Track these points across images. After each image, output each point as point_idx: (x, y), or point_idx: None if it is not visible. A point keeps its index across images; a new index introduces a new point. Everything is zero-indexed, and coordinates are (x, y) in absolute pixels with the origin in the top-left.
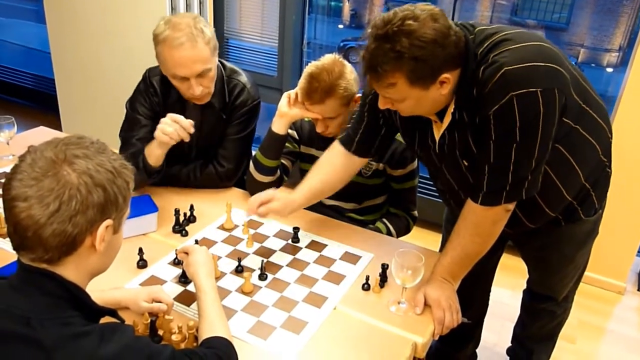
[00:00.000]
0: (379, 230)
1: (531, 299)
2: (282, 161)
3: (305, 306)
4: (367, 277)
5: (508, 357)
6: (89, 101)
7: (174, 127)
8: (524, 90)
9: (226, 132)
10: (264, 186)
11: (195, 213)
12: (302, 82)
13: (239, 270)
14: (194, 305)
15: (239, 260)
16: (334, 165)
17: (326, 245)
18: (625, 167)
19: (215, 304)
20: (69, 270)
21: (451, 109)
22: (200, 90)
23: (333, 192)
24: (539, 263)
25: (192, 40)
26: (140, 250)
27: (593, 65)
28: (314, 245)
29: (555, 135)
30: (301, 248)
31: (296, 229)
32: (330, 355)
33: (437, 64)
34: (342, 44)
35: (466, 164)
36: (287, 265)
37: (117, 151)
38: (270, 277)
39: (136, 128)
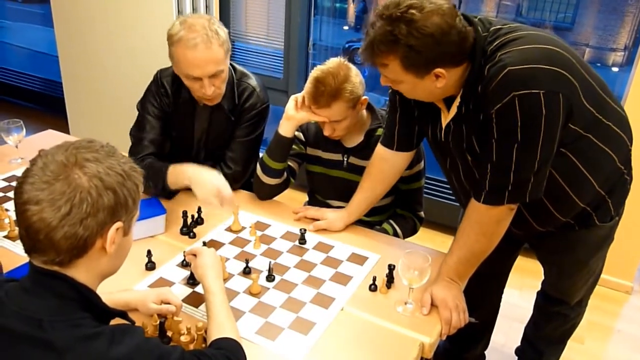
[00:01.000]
0: (385, 232)
1: (545, 301)
2: (289, 163)
3: (312, 307)
4: (374, 277)
5: (516, 358)
6: (97, 104)
7: None
8: (526, 91)
9: (234, 135)
10: (271, 188)
11: (202, 215)
12: (308, 86)
13: (247, 272)
14: (202, 307)
15: (247, 261)
16: (380, 171)
17: (333, 246)
18: None
19: (224, 305)
20: (80, 272)
21: (457, 101)
22: (212, 91)
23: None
24: (552, 266)
25: (207, 41)
26: (149, 252)
27: (599, 64)
28: (320, 247)
29: (560, 140)
30: (308, 249)
31: (303, 230)
32: (338, 355)
33: (431, 58)
34: (347, 46)
35: (470, 159)
36: (294, 267)
37: (127, 150)
38: (277, 278)
39: (147, 129)
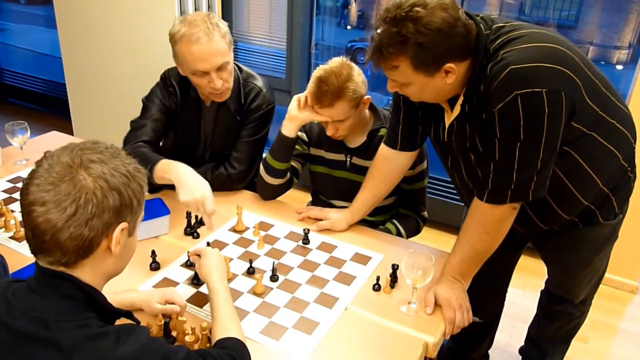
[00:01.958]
0: (389, 231)
1: (548, 300)
2: (292, 163)
3: (316, 307)
4: (377, 277)
5: (520, 357)
6: (100, 105)
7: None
8: (529, 90)
9: (240, 135)
10: (274, 189)
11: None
12: (310, 86)
13: (251, 272)
14: (206, 307)
15: (251, 261)
16: (384, 171)
17: (336, 246)
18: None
19: (228, 305)
20: (86, 273)
21: (460, 100)
22: (221, 84)
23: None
24: (556, 265)
25: (209, 34)
26: (153, 252)
27: (602, 62)
28: (324, 247)
29: (563, 139)
30: (312, 249)
31: (306, 231)
32: (342, 355)
33: (441, 53)
34: (349, 45)
35: (473, 157)
36: (298, 267)
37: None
38: (281, 278)
39: (149, 118)
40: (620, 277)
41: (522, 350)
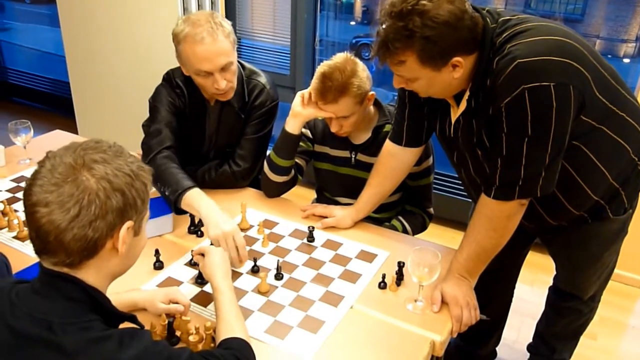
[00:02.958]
0: (394, 228)
1: (557, 297)
2: (297, 160)
3: (321, 305)
4: (383, 275)
5: (528, 354)
6: (104, 103)
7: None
8: (536, 84)
9: (244, 132)
10: (278, 186)
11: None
12: (315, 81)
13: (255, 270)
14: (210, 306)
15: (255, 260)
16: (389, 167)
17: (342, 243)
18: None
19: (233, 304)
20: (90, 273)
21: (466, 95)
22: (225, 84)
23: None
24: (565, 260)
25: (213, 34)
26: (157, 251)
27: (609, 56)
28: (329, 244)
29: (573, 133)
30: (317, 247)
31: (311, 228)
32: (348, 354)
33: (448, 46)
34: (354, 41)
35: (480, 153)
36: (302, 265)
37: (135, 149)
38: (286, 276)
39: (164, 121)
40: (629, 272)
41: (530, 347)
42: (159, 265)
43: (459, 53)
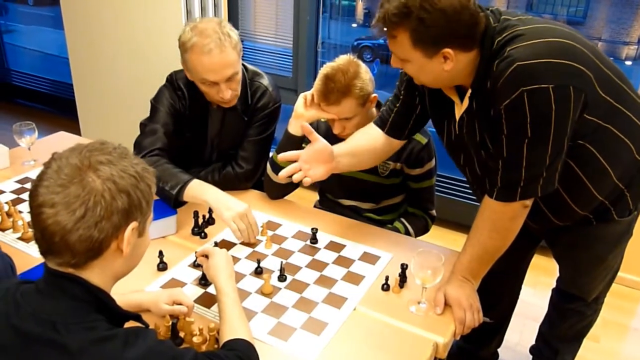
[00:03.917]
0: (397, 230)
1: (560, 298)
2: None
3: (325, 307)
4: (386, 277)
5: (531, 356)
6: (107, 105)
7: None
8: (535, 86)
9: (246, 134)
10: (281, 187)
11: (214, 215)
12: (317, 83)
13: (258, 272)
14: (214, 307)
15: (258, 261)
16: (370, 136)
17: (345, 245)
18: None
19: (236, 306)
20: (95, 274)
21: (469, 93)
22: (229, 94)
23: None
24: (569, 262)
25: (221, 46)
26: (160, 253)
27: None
28: (332, 246)
29: (578, 132)
30: (320, 249)
31: (314, 230)
32: (351, 356)
33: (439, 35)
34: (356, 43)
35: (484, 153)
36: (306, 266)
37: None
38: (289, 278)
39: (161, 122)
40: (632, 275)
41: (533, 349)
42: (162, 267)
43: (451, 45)
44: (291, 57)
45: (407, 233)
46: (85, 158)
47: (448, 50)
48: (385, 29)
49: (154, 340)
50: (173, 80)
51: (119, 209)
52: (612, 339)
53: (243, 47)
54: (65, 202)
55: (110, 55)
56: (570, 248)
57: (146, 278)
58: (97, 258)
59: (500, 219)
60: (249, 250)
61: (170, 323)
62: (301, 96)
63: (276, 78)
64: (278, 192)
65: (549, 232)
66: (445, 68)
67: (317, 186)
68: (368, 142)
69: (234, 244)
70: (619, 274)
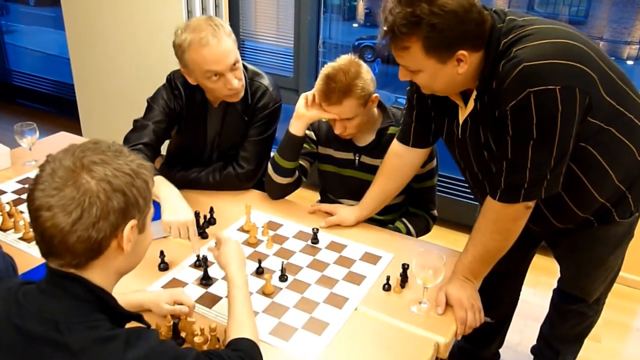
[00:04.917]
0: (398, 230)
1: (561, 299)
2: (301, 162)
3: (326, 307)
4: (387, 277)
5: (532, 356)
6: (108, 105)
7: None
8: (542, 87)
9: (247, 134)
10: (282, 188)
11: (215, 215)
12: (318, 83)
13: (260, 272)
14: (215, 307)
15: (259, 261)
16: (394, 168)
17: (346, 245)
18: None
19: (246, 302)
20: (96, 273)
21: (474, 95)
22: (237, 83)
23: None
24: (570, 264)
25: (216, 35)
26: (162, 253)
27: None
28: (333, 246)
29: (580, 135)
30: (321, 249)
31: (315, 230)
32: (352, 356)
33: (454, 37)
34: (357, 43)
35: (487, 155)
36: (307, 266)
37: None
38: (290, 278)
39: (152, 119)
40: (634, 275)
41: (534, 350)
42: (163, 267)
43: (465, 46)
44: (292, 57)
45: (409, 233)
46: (78, 159)
47: (462, 52)
48: (393, 43)
49: (155, 340)
50: (171, 80)
51: (115, 209)
52: (613, 339)
53: (244, 47)
54: (61, 205)
55: (111, 55)
56: (572, 250)
57: (147, 278)
58: (97, 258)
59: (503, 220)
60: (250, 250)
61: (171, 323)
62: (302, 96)
63: (277, 78)
64: (279, 192)
65: (550, 234)
66: (459, 71)
67: (318, 186)
68: (396, 174)
69: None
70: (621, 274)
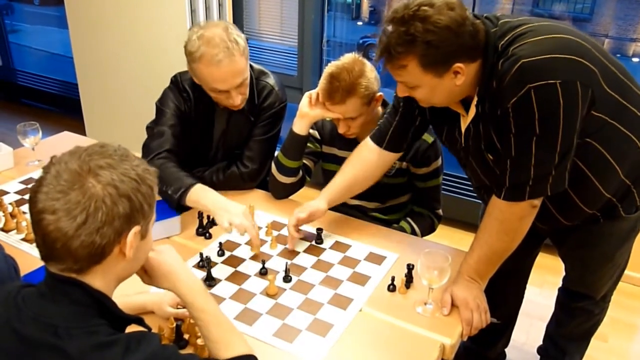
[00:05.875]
0: (403, 230)
1: (567, 297)
2: (304, 161)
3: (330, 308)
4: (392, 277)
5: (538, 356)
6: (112, 105)
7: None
8: (542, 82)
9: (252, 133)
10: (286, 187)
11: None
12: (322, 82)
13: (263, 273)
14: None
15: (263, 262)
16: (364, 162)
17: (350, 245)
18: None
19: (220, 319)
20: (97, 278)
21: (475, 101)
22: (240, 99)
23: (362, 190)
24: (576, 261)
25: (230, 55)
26: None
27: (618, 55)
28: (338, 246)
29: (585, 130)
30: (325, 249)
31: (320, 230)
32: (357, 357)
33: (450, 51)
34: (361, 41)
35: (492, 158)
36: (311, 267)
37: (142, 147)
38: (294, 279)
39: (168, 124)
40: (639, 273)
41: (540, 350)
42: None
43: (461, 59)
44: (296, 56)
45: (414, 233)
46: (84, 163)
47: (459, 65)
48: (390, 62)
49: (157, 345)
50: (178, 82)
51: (120, 214)
52: (620, 338)
53: (248, 46)
54: (66, 209)
55: (115, 54)
56: (578, 246)
57: None
58: (99, 263)
59: (509, 219)
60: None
61: (174, 325)
62: (306, 95)
63: (281, 77)
64: (283, 192)
65: (556, 232)
66: (457, 83)
67: (322, 185)
68: (363, 168)
69: (239, 245)
70: (627, 272)
